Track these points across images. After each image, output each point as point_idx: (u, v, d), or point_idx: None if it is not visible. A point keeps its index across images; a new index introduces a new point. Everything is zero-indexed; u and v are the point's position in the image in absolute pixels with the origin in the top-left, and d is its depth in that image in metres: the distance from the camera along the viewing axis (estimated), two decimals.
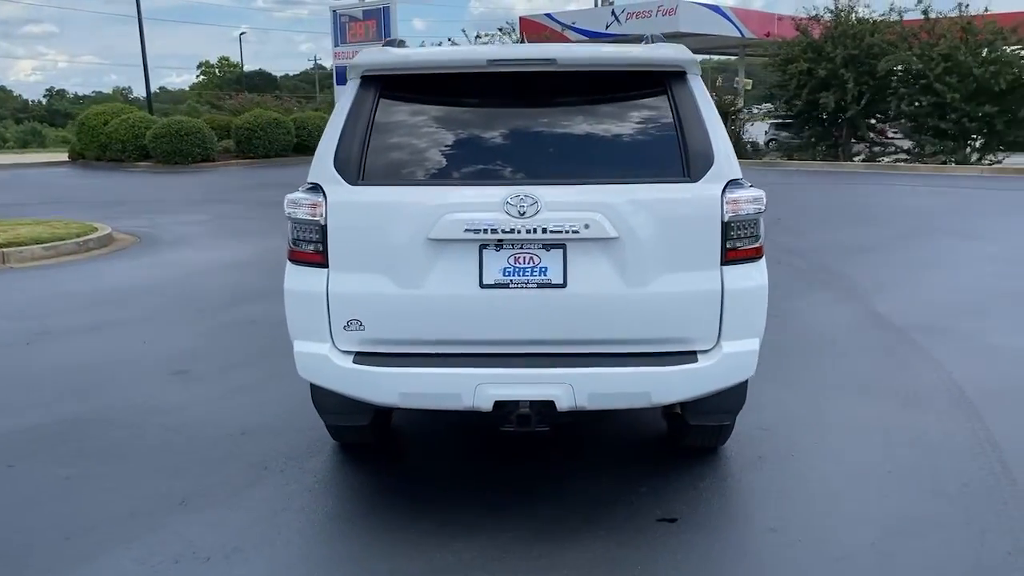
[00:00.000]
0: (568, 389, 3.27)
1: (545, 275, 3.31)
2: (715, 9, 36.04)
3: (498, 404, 3.29)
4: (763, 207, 3.39)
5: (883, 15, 23.17)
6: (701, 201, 3.33)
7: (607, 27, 36.07)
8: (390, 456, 4.33)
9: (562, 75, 3.45)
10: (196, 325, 7.03)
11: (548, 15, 37.33)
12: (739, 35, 35.22)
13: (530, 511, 3.64)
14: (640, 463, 4.16)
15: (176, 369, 5.78)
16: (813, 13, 24.23)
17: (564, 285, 3.30)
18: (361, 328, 3.40)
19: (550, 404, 3.29)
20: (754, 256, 3.41)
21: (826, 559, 3.25)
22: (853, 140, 23.83)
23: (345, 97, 3.56)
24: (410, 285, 3.36)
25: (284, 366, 3.95)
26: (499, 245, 3.32)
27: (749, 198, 3.35)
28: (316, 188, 3.42)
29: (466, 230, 3.28)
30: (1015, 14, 21.51)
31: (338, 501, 3.82)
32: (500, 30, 33.55)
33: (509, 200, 3.27)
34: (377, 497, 3.87)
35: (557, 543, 3.36)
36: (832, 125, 23.67)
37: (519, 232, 3.27)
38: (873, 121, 23.81)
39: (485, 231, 3.28)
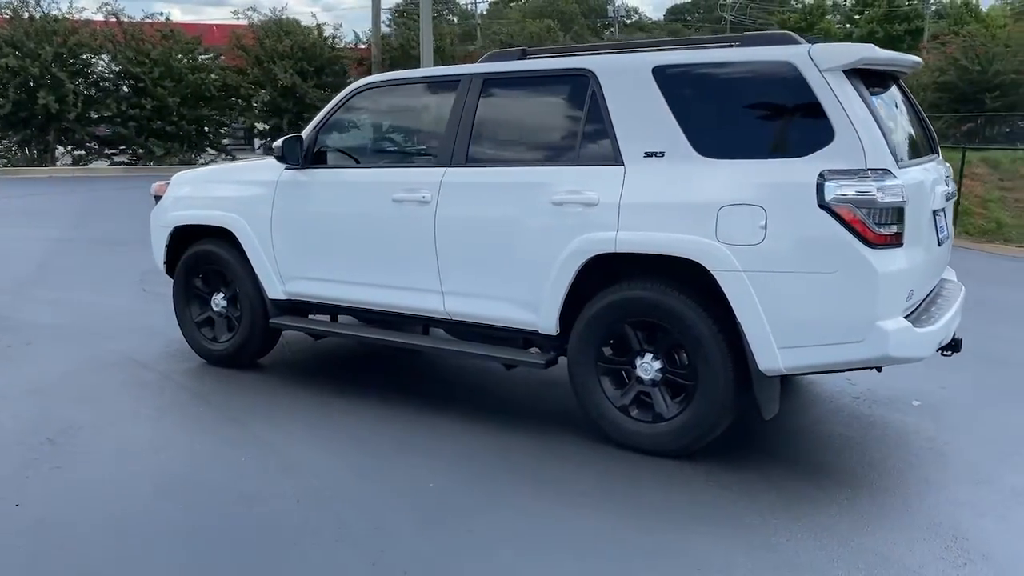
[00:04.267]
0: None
1: (944, 233, 4.31)
2: None
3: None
4: None
5: (68, 13, 22.15)
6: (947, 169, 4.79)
7: None
8: None
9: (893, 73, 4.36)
10: None
11: None
12: None
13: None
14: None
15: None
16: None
17: (942, 241, 4.36)
18: (911, 296, 3.78)
19: None
20: None
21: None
22: (63, 143, 22.30)
23: (849, 86, 3.69)
24: (927, 251, 3.92)
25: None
26: (936, 212, 4.16)
27: None
28: (887, 173, 3.59)
29: (947, 198, 4.04)
30: (194, 25, 23.54)
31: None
32: None
33: (946, 174, 4.16)
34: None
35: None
36: (47, 127, 21.58)
37: (947, 200, 4.20)
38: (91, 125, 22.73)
39: (944, 198, 4.10)
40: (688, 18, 74.84)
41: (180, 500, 3.67)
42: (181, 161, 22.16)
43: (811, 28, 59.18)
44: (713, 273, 3.80)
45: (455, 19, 55.34)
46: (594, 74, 4.25)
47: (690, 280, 3.94)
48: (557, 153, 4.38)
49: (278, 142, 5.04)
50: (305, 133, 5.10)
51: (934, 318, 3.89)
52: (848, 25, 62.00)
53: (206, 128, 22.96)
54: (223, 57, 23.11)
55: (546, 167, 4.34)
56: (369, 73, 24.03)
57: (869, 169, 3.58)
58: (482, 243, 4.45)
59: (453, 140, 4.58)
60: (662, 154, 4.00)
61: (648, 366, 4.12)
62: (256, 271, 5.27)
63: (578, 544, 3.30)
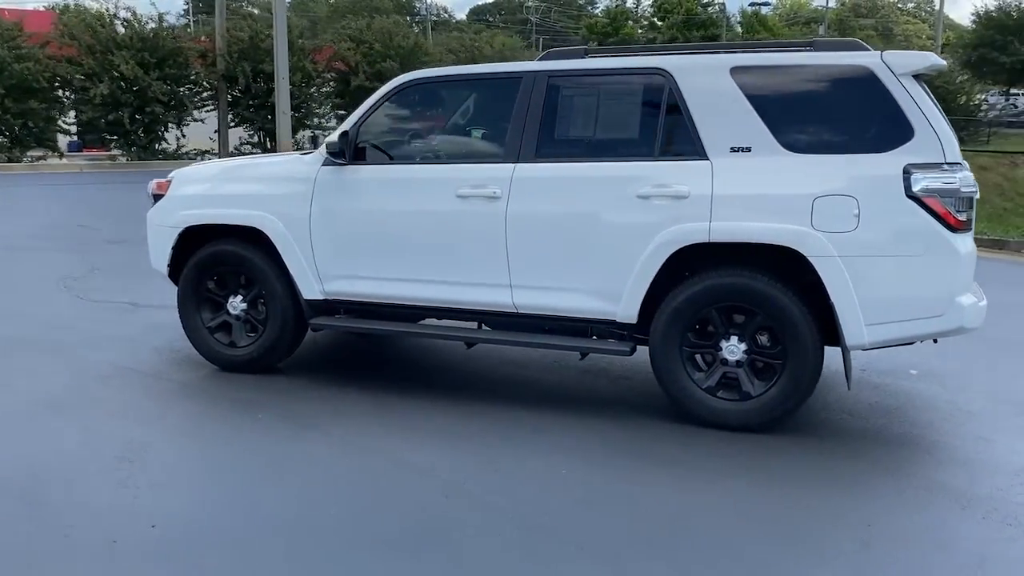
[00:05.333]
0: None
1: None
2: None
3: None
4: None
5: None
6: None
7: None
8: None
9: None
10: None
11: None
12: None
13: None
14: None
15: None
16: None
17: None
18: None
19: None
20: None
21: None
22: None
23: (920, 89, 4.15)
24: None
25: None
26: None
27: None
28: (961, 166, 4.08)
29: None
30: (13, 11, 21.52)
31: None
32: None
33: None
34: None
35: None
36: None
37: None
38: None
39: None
40: (490, 19, 76.67)
41: (333, 506, 3.55)
42: (9, 159, 20.19)
43: (616, 32, 62.57)
44: (810, 259, 4.13)
45: (256, 11, 53.36)
46: (669, 73, 4.47)
47: (775, 266, 4.27)
48: (634, 148, 4.57)
49: (333, 137, 4.89)
50: (346, 128, 4.98)
51: (978, 294, 4.43)
52: (642, 31, 66.06)
53: (31, 124, 20.94)
54: (50, 45, 21.17)
55: (626, 162, 4.52)
56: (214, 67, 22.96)
57: (947, 163, 4.05)
58: (558, 236, 4.56)
59: (520, 136, 4.66)
60: (749, 149, 4.30)
61: (735, 348, 4.40)
62: (291, 271, 5.08)
63: (752, 516, 3.53)
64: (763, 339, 4.42)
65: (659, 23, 65.01)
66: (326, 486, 3.77)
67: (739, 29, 63.68)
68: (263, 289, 5.21)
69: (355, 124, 4.98)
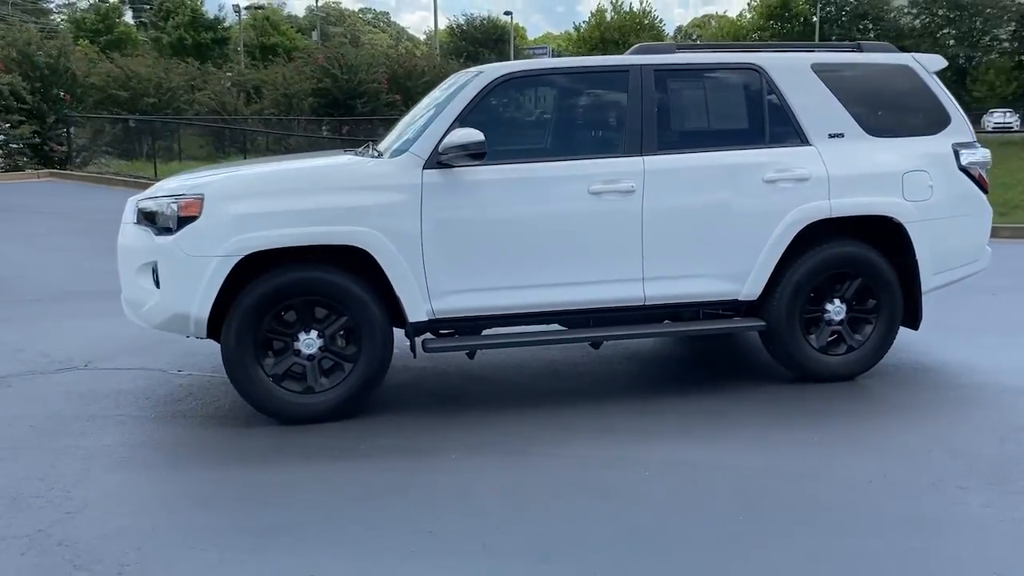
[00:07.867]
0: None
1: None
2: None
3: None
4: None
5: None
6: None
7: None
8: None
9: None
10: None
11: None
12: None
13: None
14: None
15: None
16: None
17: None
18: None
19: None
20: None
21: None
22: None
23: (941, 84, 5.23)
24: None
25: None
26: None
27: None
28: (978, 143, 5.27)
29: None
30: None
31: None
32: None
33: None
34: None
35: None
36: None
37: None
38: None
39: None
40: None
41: (737, 522, 3.41)
42: None
43: (111, 31, 58.12)
44: (905, 225, 4.95)
45: None
46: (763, 68, 4.93)
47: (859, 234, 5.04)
48: (745, 137, 4.94)
49: (453, 138, 4.32)
50: (438, 129, 4.49)
51: None
52: (146, 31, 62.38)
53: None
54: None
55: (747, 149, 4.86)
56: None
57: (974, 141, 5.20)
58: (694, 224, 4.75)
59: (640, 128, 4.71)
60: (842, 135, 4.97)
61: (839, 308, 5.04)
62: (398, 291, 4.42)
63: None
64: (859, 297, 5.09)
65: (163, 23, 61.35)
66: (648, 503, 3.55)
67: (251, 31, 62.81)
68: (355, 318, 4.43)
69: (454, 123, 4.50)
